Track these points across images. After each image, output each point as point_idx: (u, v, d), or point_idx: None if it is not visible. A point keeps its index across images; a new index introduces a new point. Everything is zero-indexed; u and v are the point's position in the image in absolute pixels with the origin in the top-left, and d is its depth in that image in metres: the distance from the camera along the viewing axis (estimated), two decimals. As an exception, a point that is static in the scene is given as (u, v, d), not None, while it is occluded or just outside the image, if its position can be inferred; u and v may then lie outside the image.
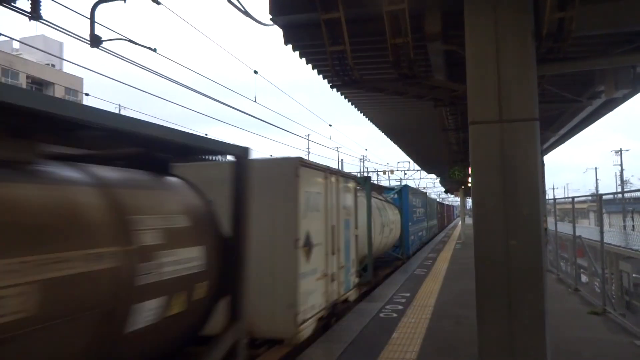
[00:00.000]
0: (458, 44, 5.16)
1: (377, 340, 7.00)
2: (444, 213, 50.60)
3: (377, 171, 43.27)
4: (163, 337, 2.88)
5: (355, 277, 9.50)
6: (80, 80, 40.96)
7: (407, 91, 6.70)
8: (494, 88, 4.41)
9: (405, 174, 45.10)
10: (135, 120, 2.84)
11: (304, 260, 6.53)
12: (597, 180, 63.55)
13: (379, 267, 15.31)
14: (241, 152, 3.71)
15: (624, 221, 22.76)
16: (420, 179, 49.79)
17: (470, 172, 4.59)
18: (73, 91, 38.98)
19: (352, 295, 9.19)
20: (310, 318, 6.80)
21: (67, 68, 43.55)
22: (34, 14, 6.13)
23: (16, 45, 38.77)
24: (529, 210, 4.27)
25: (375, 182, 40.40)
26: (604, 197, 10.84)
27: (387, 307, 9.37)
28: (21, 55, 37.16)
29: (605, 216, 12.42)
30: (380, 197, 15.67)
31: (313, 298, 6.96)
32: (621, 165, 52.58)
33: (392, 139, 18.47)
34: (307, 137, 41.18)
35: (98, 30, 6.81)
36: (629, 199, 22.72)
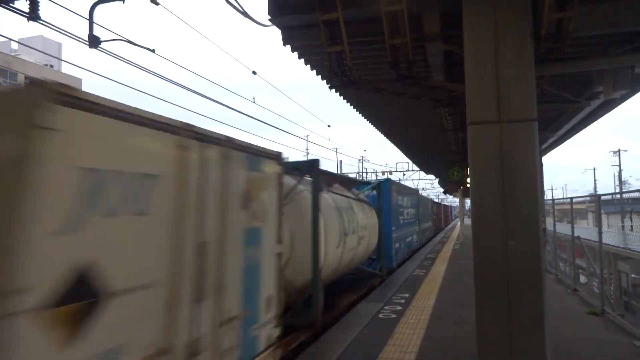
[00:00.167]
0: (457, 44, 5.16)
1: (376, 341, 6.99)
2: (440, 214, 46.79)
3: (376, 172, 43.26)
4: None
5: (275, 327, 5.06)
6: (78, 81, 40.89)
7: (405, 92, 6.70)
8: (493, 88, 4.41)
9: (404, 174, 45.12)
10: None
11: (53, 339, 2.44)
12: (595, 180, 63.67)
13: (340, 293, 10.55)
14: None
15: (623, 221, 22.77)
16: (419, 179, 49.80)
17: (469, 172, 4.59)
18: (71, 92, 38.84)
19: None
20: None
21: (66, 69, 43.55)
22: (33, 14, 6.12)
23: (14, 45, 38.76)
24: (528, 211, 4.27)
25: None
26: (602, 197, 10.86)
27: (386, 307, 9.36)
28: (19, 56, 37.13)
29: (603, 217, 12.43)
30: (347, 194, 10.93)
31: None
32: (619, 165, 52.63)
33: (390, 140, 18.47)
34: (305, 138, 41.17)
35: (97, 31, 6.80)
36: (627, 199, 22.73)
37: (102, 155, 2.78)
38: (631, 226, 19.69)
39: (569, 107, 9.76)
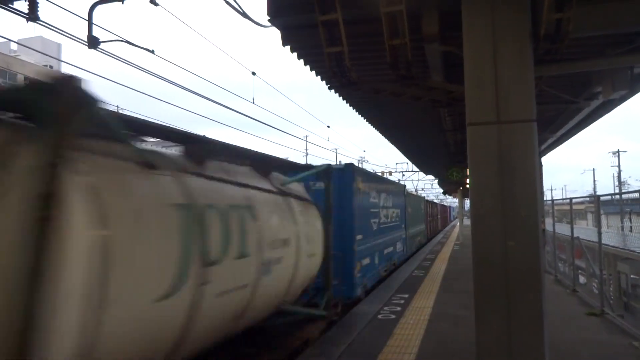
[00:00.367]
0: (456, 45, 5.16)
1: (375, 342, 6.99)
2: (437, 215, 41.40)
3: (375, 172, 43.21)
4: None
5: None
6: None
7: (404, 92, 6.70)
8: (492, 89, 4.41)
9: (403, 175, 45.11)
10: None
11: None
12: (594, 181, 63.78)
13: None
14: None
15: (622, 222, 22.76)
16: (419, 180, 49.81)
17: (468, 173, 4.59)
18: (71, 93, 38.82)
19: None
20: None
21: (65, 69, 43.51)
22: (32, 15, 6.12)
23: (14, 46, 38.74)
24: (527, 212, 4.26)
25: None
26: (601, 198, 10.86)
27: (386, 308, 9.37)
28: (19, 57, 37.11)
29: (603, 217, 12.43)
30: (256, 183, 6.06)
31: None
32: (619, 166, 52.68)
33: (390, 140, 18.43)
34: (305, 139, 41.13)
35: (96, 32, 6.79)
36: (627, 200, 22.71)
37: None
38: (630, 227, 19.68)
39: (568, 108, 9.77)
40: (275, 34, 7.14)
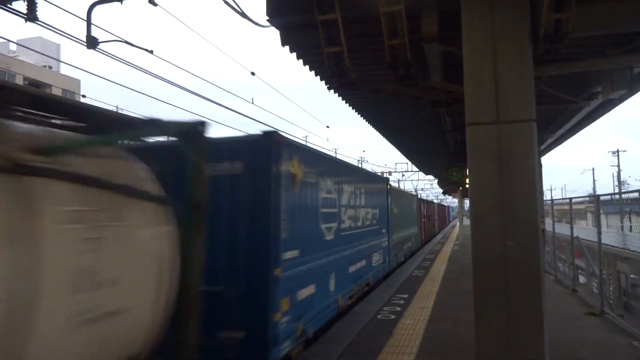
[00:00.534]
0: (455, 45, 5.16)
1: (375, 342, 6.99)
2: (434, 215, 37.08)
3: (375, 172, 43.14)
4: None
5: None
6: (77, 82, 40.90)
7: (404, 93, 6.70)
8: (491, 89, 4.41)
9: (403, 174, 45.10)
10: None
11: None
12: (594, 181, 63.71)
13: None
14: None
15: (622, 222, 22.76)
16: (418, 180, 49.78)
17: (467, 173, 4.59)
18: (70, 93, 38.94)
19: None
20: None
21: (64, 70, 43.51)
22: (30, 15, 6.11)
23: (13, 47, 38.72)
24: (527, 211, 4.26)
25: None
26: (601, 198, 10.86)
27: (385, 308, 9.36)
28: (18, 57, 37.10)
29: (602, 217, 12.43)
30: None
31: None
32: (618, 166, 52.71)
33: (389, 140, 18.44)
34: (304, 139, 41.10)
35: (95, 32, 6.79)
36: (626, 199, 22.72)
37: None
38: (630, 226, 19.68)
39: (567, 108, 9.77)
40: (274, 34, 7.21)
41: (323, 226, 7.77)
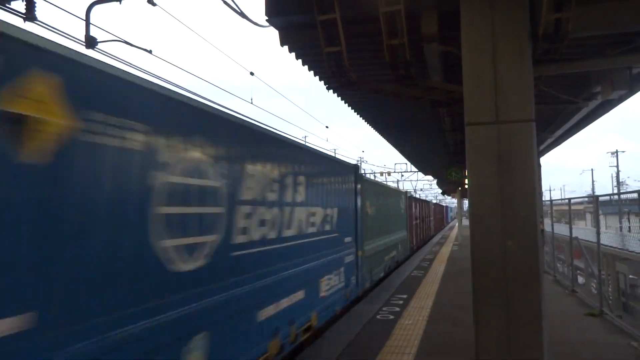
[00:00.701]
0: (455, 45, 5.15)
1: (374, 343, 6.98)
2: (429, 217, 33.02)
3: (374, 172, 43.19)
4: None
5: None
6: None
7: (403, 93, 6.69)
8: (491, 89, 4.40)
9: (402, 175, 45.07)
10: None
11: None
12: (593, 181, 63.64)
13: None
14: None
15: (620, 222, 22.77)
16: (417, 180, 49.75)
17: (467, 173, 4.58)
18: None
19: None
20: None
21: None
22: (29, 15, 6.09)
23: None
24: (526, 212, 4.26)
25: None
26: (600, 198, 10.86)
27: (385, 308, 9.35)
28: (17, 57, 36.99)
29: (601, 217, 12.43)
30: None
31: None
32: (617, 166, 52.71)
33: (388, 141, 18.44)
34: (304, 139, 41.13)
35: (93, 32, 6.77)
36: (625, 200, 22.73)
37: None
38: (629, 227, 19.69)
39: (566, 108, 9.77)
40: (274, 34, 7.13)
41: (165, 244, 3.98)
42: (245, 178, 5.45)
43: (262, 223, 5.83)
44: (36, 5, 6.14)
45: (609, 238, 14.99)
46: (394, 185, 39.50)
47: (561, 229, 14.88)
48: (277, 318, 5.96)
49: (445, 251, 22.44)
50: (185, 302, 4.17)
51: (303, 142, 9.52)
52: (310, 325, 7.15)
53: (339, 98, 10.35)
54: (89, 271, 3.18)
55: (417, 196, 38.51)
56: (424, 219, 29.23)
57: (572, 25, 4.51)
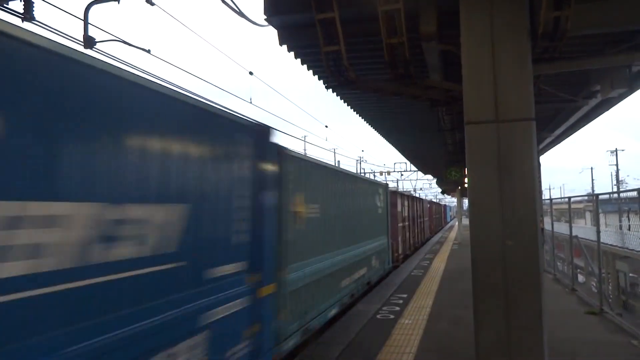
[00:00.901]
0: (454, 44, 5.14)
1: (374, 342, 6.97)
2: (424, 217, 29.14)
3: (374, 172, 43.18)
4: None
5: None
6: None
7: (402, 92, 6.68)
8: (490, 88, 4.39)
9: (401, 174, 45.04)
10: None
11: None
12: (592, 180, 63.64)
13: None
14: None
15: (620, 221, 22.80)
16: (417, 179, 49.74)
17: (466, 172, 4.57)
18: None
19: None
20: None
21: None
22: (27, 15, 6.08)
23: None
24: (526, 211, 4.25)
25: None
26: (600, 197, 10.86)
27: (384, 308, 9.34)
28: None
29: (601, 216, 12.43)
30: None
31: None
32: (617, 165, 52.69)
33: (388, 140, 18.43)
34: (303, 139, 41.10)
35: (92, 32, 6.75)
36: (625, 198, 22.75)
37: None
38: (629, 225, 19.71)
39: (566, 107, 9.76)
40: (273, 33, 7.06)
41: None
42: None
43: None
44: (34, 5, 6.12)
45: (608, 236, 15.01)
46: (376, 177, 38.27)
47: (561, 228, 14.88)
48: None
49: (445, 250, 22.44)
50: None
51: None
52: None
53: (338, 97, 10.35)
54: None
55: (417, 195, 38.24)
56: (416, 220, 24.43)
57: (571, 23, 4.50)
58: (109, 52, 6.90)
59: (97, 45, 6.61)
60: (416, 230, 24.26)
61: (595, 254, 9.63)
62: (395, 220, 17.03)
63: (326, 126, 29.70)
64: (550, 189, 74.38)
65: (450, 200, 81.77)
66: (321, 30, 5.22)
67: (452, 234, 35.78)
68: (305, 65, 7.69)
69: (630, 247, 11.69)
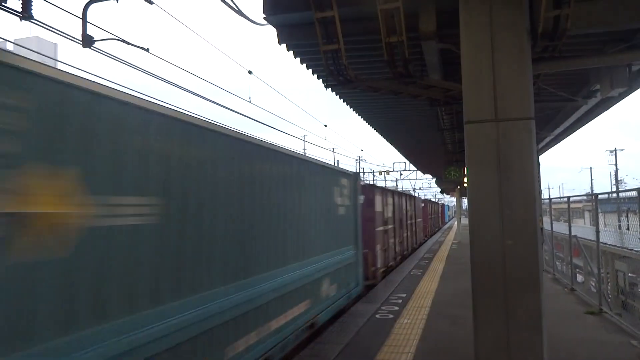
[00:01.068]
0: (453, 43, 5.13)
1: (373, 342, 6.96)
2: (416, 218, 24.98)
3: (373, 171, 43.17)
4: None
5: None
6: (74, 81, 40.72)
7: (402, 91, 6.66)
8: (490, 87, 4.37)
9: (401, 174, 45.02)
10: None
11: None
12: (592, 180, 63.62)
13: None
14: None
15: (619, 220, 22.81)
16: (416, 179, 49.71)
17: (466, 172, 4.55)
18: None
19: None
20: None
21: (62, 69, 43.32)
22: (25, 13, 6.05)
23: (10, 46, 38.62)
24: (525, 210, 4.23)
25: (371, 182, 37.68)
26: (599, 196, 10.85)
27: (383, 308, 9.33)
28: (15, 57, 36.90)
29: (600, 216, 12.43)
30: None
31: None
32: (616, 164, 52.69)
33: (387, 139, 18.42)
34: (302, 138, 41.05)
35: (90, 30, 6.73)
36: (624, 198, 22.75)
37: None
38: (628, 225, 19.71)
39: (565, 106, 9.75)
40: (273, 33, 7.02)
41: None
42: None
43: None
44: (32, 3, 6.09)
45: (607, 236, 15.01)
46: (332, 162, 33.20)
47: (560, 227, 14.88)
48: None
49: (445, 249, 22.43)
50: None
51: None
52: None
53: (337, 96, 10.33)
54: None
55: (417, 194, 37.91)
56: (404, 222, 20.18)
57: (571, 22, 4.49)
58: (107, 51, 6.88)
59: (96, 44, 6.58)
60: (405, 234, 20.31)
61: (595, 254, 9.62)
62: (372, 223, 13.57)
63: (325, 125, 29.70)
64: (549, 189, 74.36)
65: (449, 200, 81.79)
66: (320, 29, 5.20)
67: (452, 235, 35.76)
68: (304, 64, 7.68)
69: (630, 247, 11.68)
